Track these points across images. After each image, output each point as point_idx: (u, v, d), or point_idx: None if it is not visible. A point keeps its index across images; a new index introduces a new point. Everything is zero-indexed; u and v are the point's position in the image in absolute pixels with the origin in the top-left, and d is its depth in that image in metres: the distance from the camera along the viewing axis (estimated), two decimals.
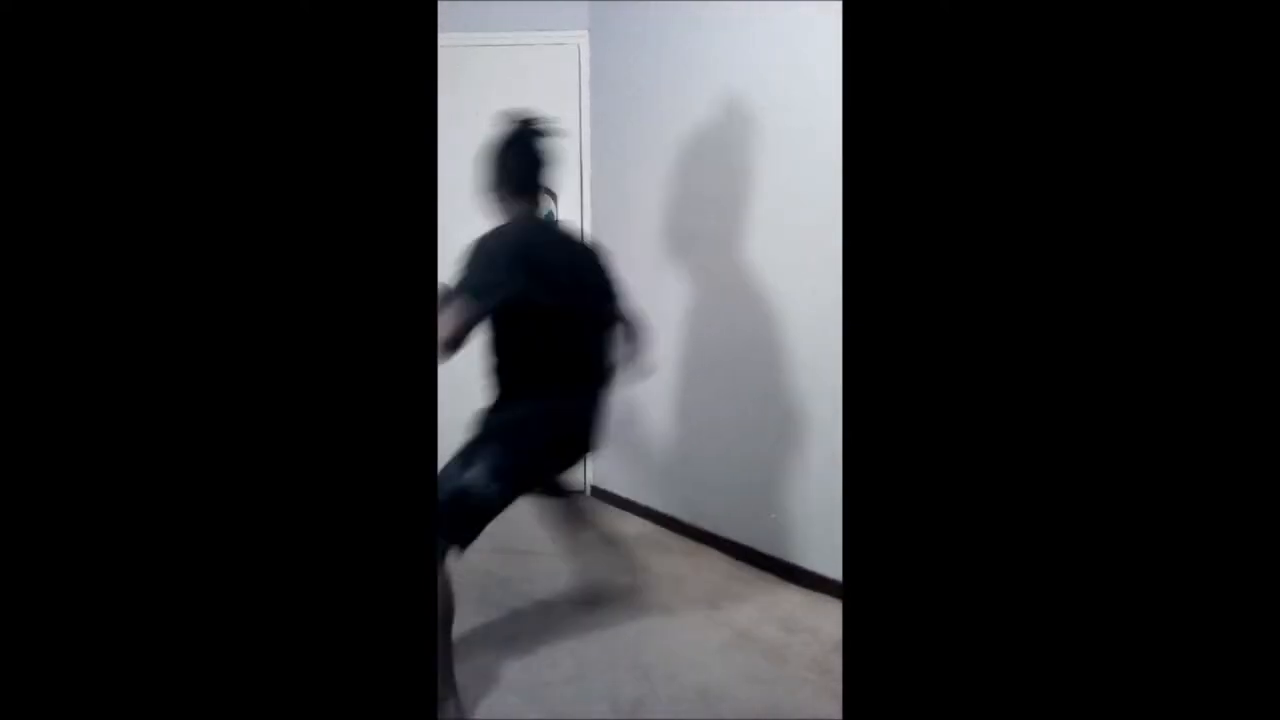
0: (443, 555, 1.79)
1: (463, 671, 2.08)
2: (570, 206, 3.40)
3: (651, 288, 3.12)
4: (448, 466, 1.85)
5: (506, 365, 1.91)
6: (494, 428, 1.91)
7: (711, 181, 2.84)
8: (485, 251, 1.79)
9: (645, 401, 3.21)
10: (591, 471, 3.55)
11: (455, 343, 1.68)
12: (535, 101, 3.35)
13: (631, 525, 3.19)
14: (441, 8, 3.41)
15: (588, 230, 3.39)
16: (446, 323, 1.66)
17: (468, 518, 1.83)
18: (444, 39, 3.27)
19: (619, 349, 2.14)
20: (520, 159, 1.97)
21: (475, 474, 1.83)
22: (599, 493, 3.51)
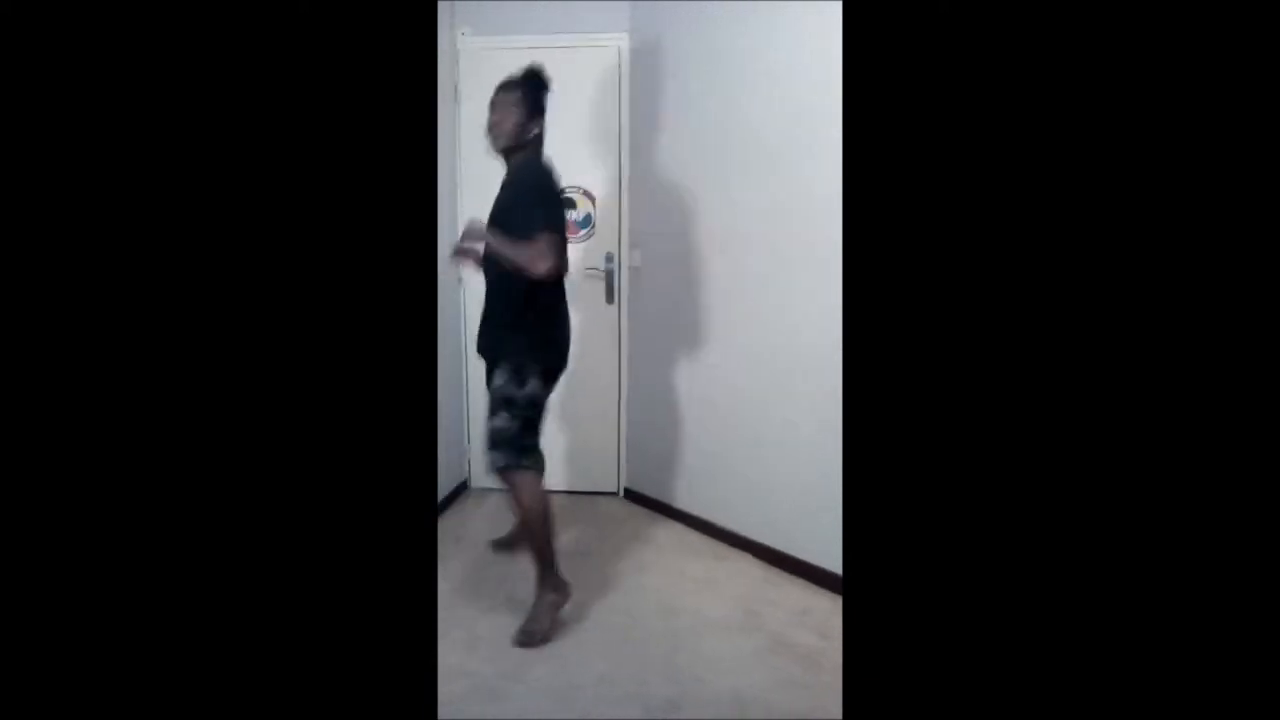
0: (530, 467, 2.28)
1: (493, 674, 2.09)
2: (609, 206, 3.40)
3: (690, 290, 3.11)
4: (506, 385, 2.25)
5: (527, 290, 2.21)
6: (525, 346, 2.28)
7: (755, 184, 2.82)
8: (545, 189, 2.21)
9: (679, 405, 3.20)
10: (625, 474, 3.55)
11: (558, 270, 2.17)
12: (575, 103, 3.37)
13: (664, 529, 3.18)
14: (481, 10, 3.44)
15: (626, 231, 3.39)
16: (549, 257, 2.10)
17: (538, 422, 2.33)
18: (484, 41, 3.30)
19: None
20: (536, 105, 2.32)
21: (534, 386, 2.27)
22: (632, 495, 3.50)
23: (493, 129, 2.31)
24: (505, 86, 2.32)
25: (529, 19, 3.31)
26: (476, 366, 3.42)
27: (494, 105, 2.32)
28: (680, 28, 3.04)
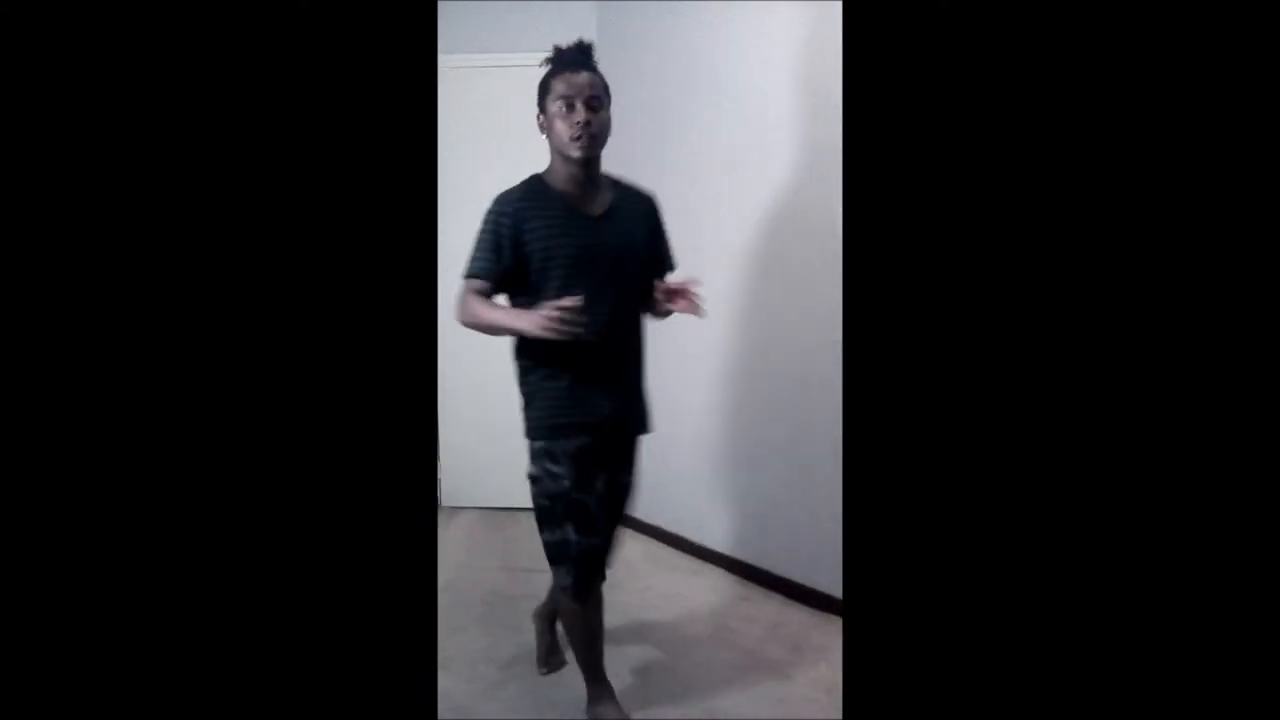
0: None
1: (464, 692, 2.07)
2: None
3: None
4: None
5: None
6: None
7: (722, 192, 2.83)
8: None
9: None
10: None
11: None
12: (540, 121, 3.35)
13: (634, 544, 3.17)
14: (444, 29, 3.42)
15: None
16: None
17: None
18: (447, 60, 3.29)
19: None
20: None
21: None
22: None
23: (588, 128, 1.69)
24: (584, 65, 1.73)
25: (489, 36, 3.31)
26: (451, 378, 3.39)
27: (567, 90, 1.69)
28: (646, 43, 3.06)
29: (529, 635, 2.32)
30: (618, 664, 2.21)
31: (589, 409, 1.76)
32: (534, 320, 1.54)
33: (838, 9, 2.25)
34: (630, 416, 1.88)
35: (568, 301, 1.51)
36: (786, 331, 2.61)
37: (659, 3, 3.01)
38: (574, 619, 1.88)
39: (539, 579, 2.72)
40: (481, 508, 3.38)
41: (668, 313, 1.77)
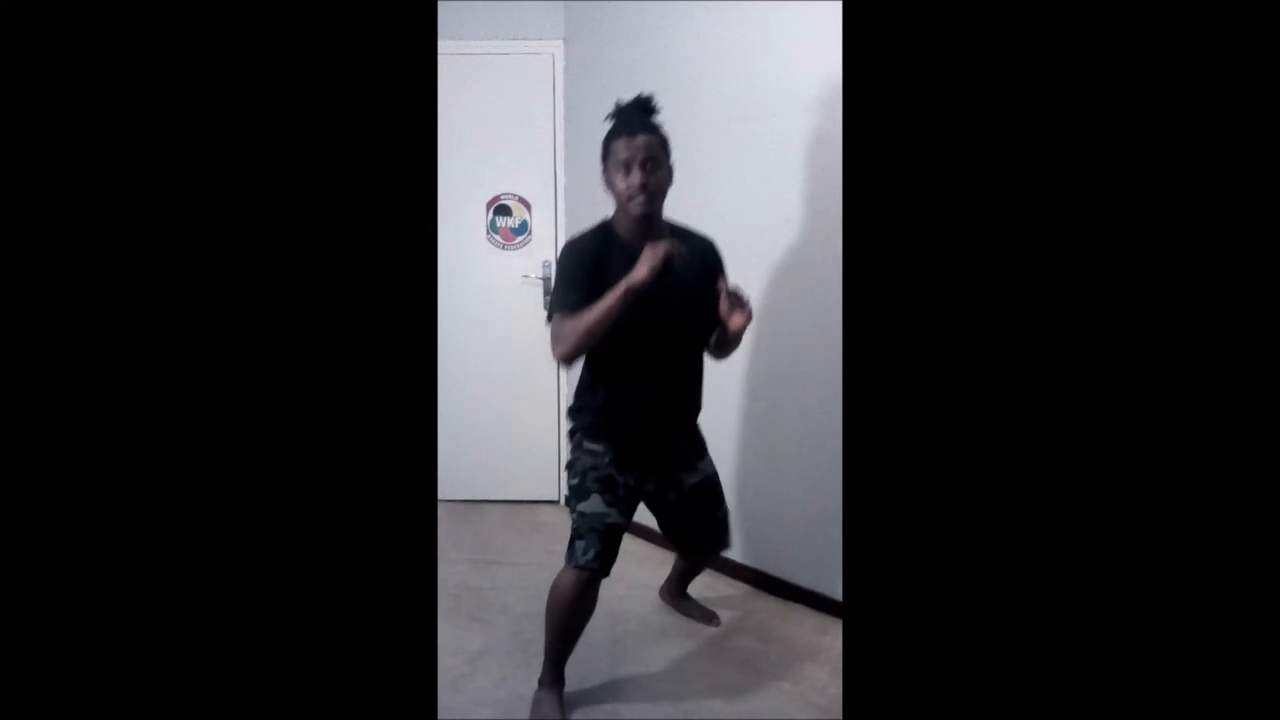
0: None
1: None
2: (544, 221, 3.38)
3: None
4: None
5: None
6: None
7: (692, 192, 2.81)
8: None
9: None
10: (566, 482, 3.51)
11: None
12: (507, 113, 3.33)
13: None
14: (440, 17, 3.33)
15: (562, 238, 3.37)
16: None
17: None
18: (443, 47, 3.24)
19: None
20: None
21: None
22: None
23: (644, 188, 1.78)
24: (647, 128, 1.83)
25: (458, 24, 3.27)
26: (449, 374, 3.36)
27: (625, 153, 1.79)
28: (616, 35, 3.04)
29: (495, 628, 2.31)
30: (586, 653, 2.20)
31: (645, 450, 1.99)
32: (641, 269, 1.66)
33: (815, 7, 2.27)
34: (683, 452, 2.08)
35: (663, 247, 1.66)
36: (776, 331, 2.61)
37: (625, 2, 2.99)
38: (566, 602, 1.90)
39: (505, 572, 2.71)
40: (448, 500, 3.36)
41: (725, 355, 2.00)
